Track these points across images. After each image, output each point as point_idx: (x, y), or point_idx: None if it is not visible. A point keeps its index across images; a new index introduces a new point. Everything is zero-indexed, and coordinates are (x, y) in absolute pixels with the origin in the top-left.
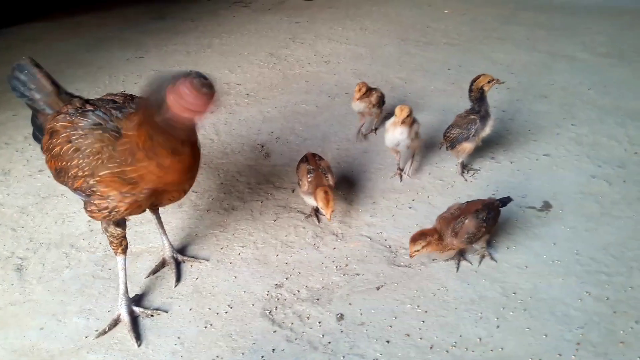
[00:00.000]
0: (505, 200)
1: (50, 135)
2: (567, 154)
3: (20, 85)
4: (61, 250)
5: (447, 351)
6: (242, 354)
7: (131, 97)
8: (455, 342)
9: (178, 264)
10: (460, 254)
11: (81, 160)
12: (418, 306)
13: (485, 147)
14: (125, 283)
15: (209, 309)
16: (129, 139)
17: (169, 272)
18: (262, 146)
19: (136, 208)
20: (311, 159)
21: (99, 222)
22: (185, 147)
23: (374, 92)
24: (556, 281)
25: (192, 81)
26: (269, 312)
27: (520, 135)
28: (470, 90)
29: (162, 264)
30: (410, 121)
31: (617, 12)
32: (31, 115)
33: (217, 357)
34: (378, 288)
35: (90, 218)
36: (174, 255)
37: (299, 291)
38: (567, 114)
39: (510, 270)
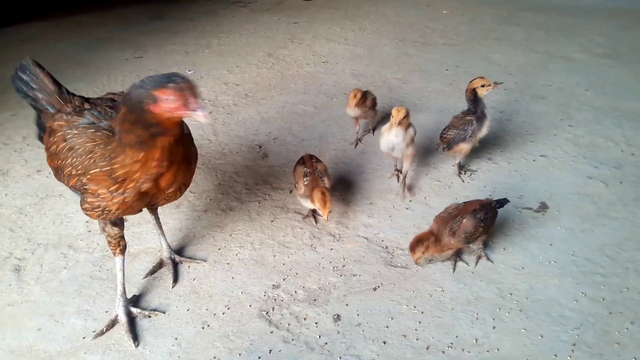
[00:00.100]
0: (502, 202)
1: (49, 134)
2: (564, 154)
3: (23, 86)
4: (59, 251)
5: (443, 352)
6: (239, 354)
7: None
8: (451, 343)
9: (175, 265)
10: (457, 255)
11: (75, 159)
12: (414, 307)
13: (482, 148)
14: (123, 284)
15: (206, 309)
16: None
17: (167, 272)
18: (260, 147)
19: (127, 208)
20: (308, 161)
21: (97, 222)
22: (159, 143)
23: (368, 96)
24: (552, 282)
25: (174, 81)
26: (266, 313)
27: (517, 136)
28: (466, 91)
29: (160, 265)
30: (407, 123)
31: (615, 13)
32: (35, 116)
33: (214, 357)
34: (375, 289)
35: (88, 218)
36: (172, 256)
37: (296, 292)
38: (564, 115)
39: (506, 271)
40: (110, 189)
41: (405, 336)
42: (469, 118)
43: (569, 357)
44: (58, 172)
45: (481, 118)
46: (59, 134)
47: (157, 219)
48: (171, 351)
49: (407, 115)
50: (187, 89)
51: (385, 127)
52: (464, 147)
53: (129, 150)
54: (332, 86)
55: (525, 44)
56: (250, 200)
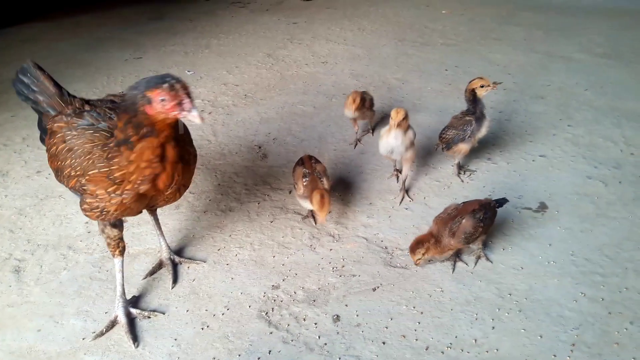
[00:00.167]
0: (502, 201)
1: (49, 135)
2: (563, 154)
3: (24, 88)
4: (59, 252)
5: (442, 352)
6: (239, 355)
7: None
8: (450, 343)
9: (175, 266)
10: (456, 255)
11: (74, 160)
12: (414, 307)
13: (481, 148)
14: (123, 285)
15: (206, 310)
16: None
17: (166, 273)
18: (260, 147)
19: (126, 209)
20: (307, 162)
21: (96, 223)
22: (148, 143)
23: (365, 97)
24: (551, 282)
25: (168, 82)
26: (266, 314)
27: (516, 136)
28: (465, 92)
29: (159, 266)
30: (406, 125)
31: (615, 13)
32: (38, 119)
33: (214, 358)
34: (374, 289)
35: (87, 219)
36: (171, 256)
37: (295, 292)
38: (563, 115)
39: (505, 271)
40: (108, 190)
41: (404, 336)
42: (468, 118)
43: (568, 357)
44: (58, 174)
45: (480, 118)
46: (59, 135)
47: (156, 219)
48: (171, 352)
49: (406, 117)
50: (180, 89)
51: (384, 130)
52: (463, 147)
53: (125, 151)
54: (332, 86)
55: (524, 44)
56: (250, 201)
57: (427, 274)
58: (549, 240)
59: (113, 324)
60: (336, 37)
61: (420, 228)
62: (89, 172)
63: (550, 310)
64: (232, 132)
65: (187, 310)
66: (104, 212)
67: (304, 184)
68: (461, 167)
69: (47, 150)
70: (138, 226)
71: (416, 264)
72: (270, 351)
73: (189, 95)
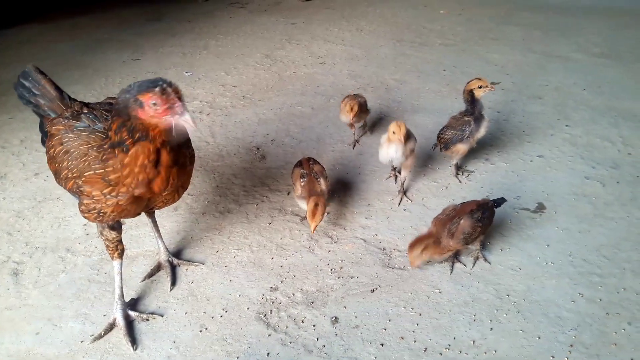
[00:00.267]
0: (499, 201)
1: (49, 138)
2: (561, 155)
3: (25, 92)
4: (57, 255)
5: (440, 354)
6: (237, 357)
7: None
8: (449, 345)
9: (173, 268)
10: (455, 256)
11: (70, 162)
12: (412, 309)
13: (479, 149)
14: (121, 287)
15: (204, 312)
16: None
17: (165, 275)
18: (258, 148)
19: (123, 211)
20: (305, 163)
21: (95, 225)
22: (141, 148)
23: (358, 100)
24: (549, 283)
25: (159, 86)
26: (264, 316)
27: (514, 136)
28: (463, 92)
29: (158, 268)
30: (406, 137)
31: (613, 13)
32: (39, 122)
33: None
34: (372, 291)
35: (85, 222)
36: (170, 258)
37: (293, 294)
38: (561, 115)
39: (503, 272)
40: (104, 192)
41: (403, 338)
42: (466, 119)
43: (566, 358)
44: (56, 176)
45: (479, 119)
46: (56, 138)
47: (154, 221)
48: (169, 354)
49: (406, 130)
50: (172, 93)
51: (384, 138)
52: (461, 147)
53: (120, 153)
54: (330, 87)
55: (522, 44)
56: (248, 203)
57: (426, 275)
58: (546, 240)
59: (111, 326)
60: (334, 38)
61: (419, 229)
62: (85, 174)
63: (548, 311)
64: (230, 133)
65: (186, 313)
66: (101, 214)
67: (302, 184)
68: (459, 168)
69: (46, 153)
70: (136, 228)
71: (412, 264)
72: (268, 353)
73: (180, 99)
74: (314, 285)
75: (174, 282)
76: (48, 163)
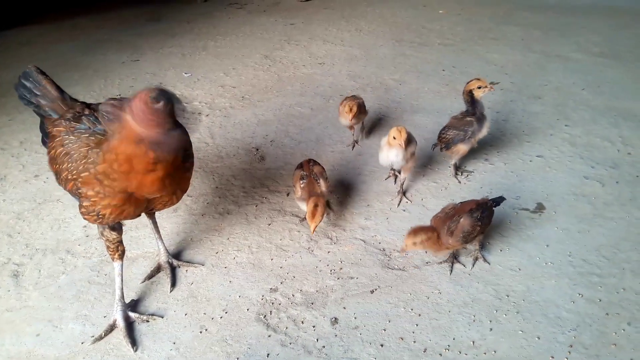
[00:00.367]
0: (499, 200)
1: (50, 139)
2: (561, 155)
3: (26, 93)
4: (57, 256)
5: (440, 354)
6: (237, 358)
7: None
8: (448, 345)
9: (173, 269)
10: (454, 257)
11: (70, 164)
12: (412, 309)
13: (478, 149)
14: (122, 289)
15: (204, 313)
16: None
17: (164, 277)
18: (257, 149)
19: (121, 213)
20: (305, 165)
21: (95, 227)
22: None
23: (356, 100)
24: (549, 283)
25: (146, 95)
26: (264, 317)
27: (513, 136)
28: (463, 93)
29: (158, 269)
30: (407, 141)
31: (612, 12)
32: (40, 122)
33: None
34: (372, 291)
35: (85, 223)
36: (169, 260)
37: (293, 295)
38: (560, 115)
39: (503, 273)
40: (96, 189)
41: (402, 339)
42: (469, 119)
43: (565, 359)
44: (57, 176)
45: (481, 119)
46: (57, 139)
47: (154, 223)
48: (169, 355)
49: (407, 135)
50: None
51: (384, 141)
52: (462, 147)
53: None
54: (329, 87)
55: (522, 44)
56: (248, 204)
57: (425, 275)
58: (546, 241)
59: (112, 328)
60: (333, 38)
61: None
62: (82, 175)
63: (548, 312)
64: (229, 134)
65: (186, 314)
66: (100, 216)
67: (301, 186)
68: (458, 168)
69: (47, 153)
70: (136, 230)
71: (404, 249)
72: (268, 354)
73: (164, 108)
74: (314, 286)
75: (173, 284)
76: (49, 164)
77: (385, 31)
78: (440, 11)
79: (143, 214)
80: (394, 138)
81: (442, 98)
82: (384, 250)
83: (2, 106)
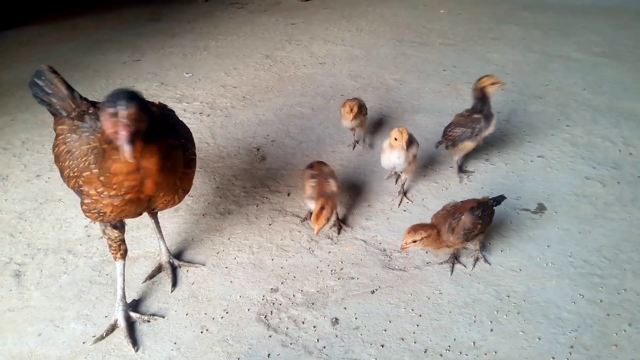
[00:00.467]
0: (499, 199)
1: (55, 137)
2: (562, 155)
3: (39, 91)
4: (59, 256)
5: (441, 355)
6: (238, 358)
7: None
8: (449, 346)
9: (174, 269)
10: (455, 257)
11: (72, 162)
12: (412, 310)
13: (479, 149)
14: (123, 288)
15: (205, 314)
16: None
17: (166, 277)
18: (258, 149)
19: (122, 212)
20: (316, 166)
21: (97, 227)
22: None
23: (361, 104)
24: (550, 284)
25: (107, 103)
26: (265, 317)
27: (514, 136)
28: (473, 90)
29: (159, 269)
30: (408, 143)
31: (613, 12)
32: (54, 121)
33: None
34: (373, 292)
35: (87, 223)
36: (170, 260)
37: (294, 295)
38: (561, 115)
39: (504, 273)
40: (99, 190)
41: (403, 339)
42: (476, 116)
43: None
44: (61, 174)
45: (488, 116)
46: (61, 137)
47: (157, 223)
48: (170, 356)
49: (409, 136)
50: (122, 118)
51: (386, 144)
52: (469, 145)
53: (109, 159)
54: (330, 87)
55: (522, 44)
56: (249, 204)
57: (426, 276)
58: (547, 241)
59: (113, 327)
60: (334, 38)
61: None
62: (84, 173)
63: (549, 312)
64: (230, 134)
65: (187, 314)
66: (101, 214)
67: (311, 185)
68: (460, 167)
69: (52, 151)
70: (137, 229)
71: (404, 247)
72: (269, 354)
73: (128, 126)
74: (314, 286)
75: (174, 284)
76: (54, 161)
77: (386, 31)
78: (441, 11)
79: (145, 214)
80: (395, 139)
81: (443, 98)
82: (384, 250)
83: (3, 106)
